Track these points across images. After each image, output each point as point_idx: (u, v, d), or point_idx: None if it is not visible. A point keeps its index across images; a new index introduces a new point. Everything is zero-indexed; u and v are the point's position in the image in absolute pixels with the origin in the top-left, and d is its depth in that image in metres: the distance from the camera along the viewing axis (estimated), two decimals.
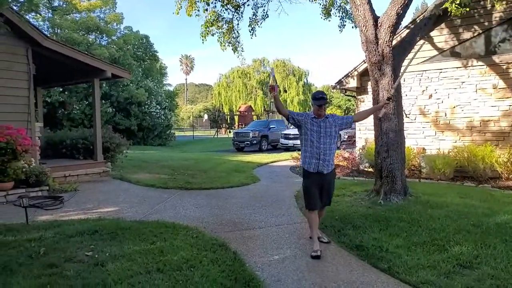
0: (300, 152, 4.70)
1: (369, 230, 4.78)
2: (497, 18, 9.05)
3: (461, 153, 8.81)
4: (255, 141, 19.65)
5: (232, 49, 9.32)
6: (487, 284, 3.30)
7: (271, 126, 21.14)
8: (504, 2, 8.41)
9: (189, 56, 76.63)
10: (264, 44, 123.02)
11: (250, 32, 9.97)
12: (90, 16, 23.92)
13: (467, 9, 7.14)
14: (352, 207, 6.06)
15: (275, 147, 20.67)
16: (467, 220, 5.09)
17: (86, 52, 9.56)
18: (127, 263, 3.67)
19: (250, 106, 43.40)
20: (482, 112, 9.29)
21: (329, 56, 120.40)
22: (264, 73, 49.24)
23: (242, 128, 28.69)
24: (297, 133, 16.82)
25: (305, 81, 49.05)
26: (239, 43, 9.42)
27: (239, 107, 43.10)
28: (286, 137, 19.51)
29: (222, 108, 48.21)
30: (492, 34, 9.24)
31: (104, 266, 3.60)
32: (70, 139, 9.57)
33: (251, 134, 19.61)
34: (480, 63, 9.27)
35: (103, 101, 21.38)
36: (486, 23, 9.20)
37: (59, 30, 22.26)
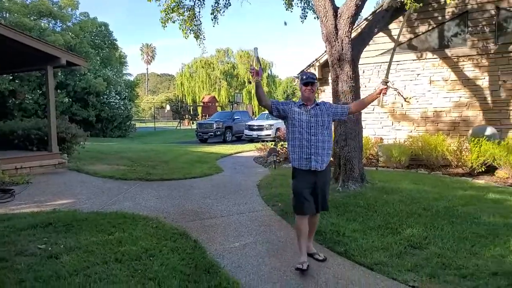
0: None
1: (328, 216, 4.91)
2: (450, 13, 9.49)
3: (415, 143, 9.22)
4: (219, 132, 19.54)
5: (194, 36, 9.18)
6: (434, 262, 3.51)
7: (235, 117, 21.09)
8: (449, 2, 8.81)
9: (150, 45, 74.56)
10: (229, 35, 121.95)
11: (213, 20, 9.85)
12: (41, 0, 22.62)
13: (421, 4, 7.41)
14: None
15: (239, 139, 20.66)
16: (419, 204, 5.37)
17: (38, 38, 9.07)
18: (83, 255, 3.58)
19: (214, 97, 42.95)
20: (435, 103, 9.75)
21: (293, 48, 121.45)
22: (228, 63, 48.91)
23: (205, 119, 28.41)
24: (261, 124, 16.71)
25: (269, 72, 49.24)
26: (201, 31, 9.29)
27: (203, 98, 42.53)
28: (251, 128, 19.55)
29: (185, 99, 47.47)
30: (445, 28, 9.69)
31: (58, 259, 3.49)
32: (22, 130, 9.08)
33: (215, 125, 19.47)
34: (434, 56, 9.70)
35: (58, 90, 20.39)
36: (440, 18, 9.62)
37: (7, 14, 20.91)
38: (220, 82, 46.83)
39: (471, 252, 3.77)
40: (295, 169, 3.58)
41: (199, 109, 41.94)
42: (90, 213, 5.08)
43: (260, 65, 3.55)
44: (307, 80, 3.55)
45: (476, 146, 8.10)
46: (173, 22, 8.92)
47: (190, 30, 9.07)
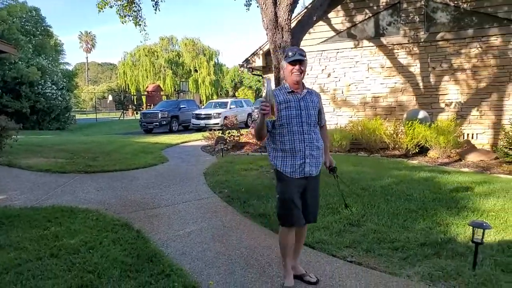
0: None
1: (272, 199, 5.01)
2: (384, 3, 9.94)
3: (356, 127, 9.64)
4: (164, 122, 19.07)
5: (134, 23, 8.85)
6: (370, 237, 3.72)
7: (181, 106, 20.67)
8: None
9: (90, 33, 70.58)
10: (174, 24, 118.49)
11: (154, 7, 9.52)
12: None
13: None
14: (258, 179, 6.30)
15: (186, 128, 20.34)
16: (358, 184, 5.65)
17: None
18: (15, 252, 3.37)
19: (159, 86, 41.75)
20: (373, 89, 10.24)
21: (240, 36, 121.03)
22: (172, 51, 47.68)
23: (150, 108, 27.60)
24: (209, 112, 16.53)
25: (216, 61, 48.73)
26: (141, 17, 8.96)
27: (147, 87, 41.16)
28: (198, 117, 19.31)
29: (128, 88, 45.63)
30: (380, 18, 10.15)
31: None
32: None
33: (160, 115, 18.97)
34: (371, 44, 10.15)
35: None
36: (375, 7, 10.05)
37: None
38: (165, 70, 45.55)
39: (403, 226, 4.05)
40: (282, 175, 2.78)
41: (144, 99, 40.63)
42: (23, 208, 4.77)
43: (275, 100, 2.60)
44: (295, 58, 2.69)
45: (410, 129, 8.64)
46: (111, 7, 8.53)
47: (129, 16, 8.71)
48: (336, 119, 10.65)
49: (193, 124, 19.49)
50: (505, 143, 7.70)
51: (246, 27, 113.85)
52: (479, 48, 9.04)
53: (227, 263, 3.35)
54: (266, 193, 5.32)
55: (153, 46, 46.28)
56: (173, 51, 47.86)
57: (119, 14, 8.55)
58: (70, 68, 32.35)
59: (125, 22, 8.64)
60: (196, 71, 46.54)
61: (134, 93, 44.82)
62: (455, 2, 9.22)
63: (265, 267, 3.25)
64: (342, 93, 10.53)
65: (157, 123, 18.93)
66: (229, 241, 3.84)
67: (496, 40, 8.90)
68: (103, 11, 8.45)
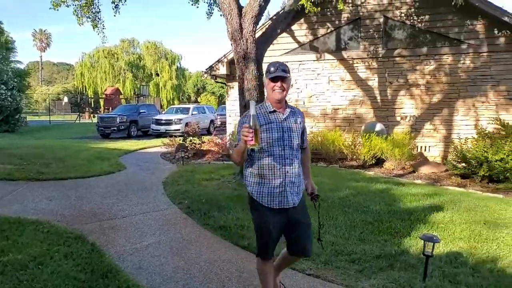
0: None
1: (233, 211, 5.01)
2: (345, 19, 10.29)
3: (316, 138, 9.85)
4: (123, 127, 18.49)
5: (92, 25, 8.52)
6: (328, 250, 3.79)
7: (141, 111, 20.16)
8: (345, 5, 9.57)
9: (45, 31, 67.42)
10: (136, 26, 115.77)
11: (114, 9, 9.23)
12: None
13: (319, 8, 7.91)
14: (219, 190, 6.26)
15: (146, 134, 19.84)
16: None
17: None
18: None
19: (118, 89, 40.49)
20: (333, 101, 10.52)
21: (204, 40, 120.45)
22: (133, 54, 46.59)
23: (108, 112, 26.72)
24: (170, 118, 16.23)
25: (179, 65, 48.15)
26: (100, 19, 8.66)
27: (105, 90, 39.77)
28: (158, 122, 18.91)
29: (85, 91, 43.98)
30: (341, 32, 10.49)
31: None
32: None
33: (118, 119, 18.38)
34: (332, 57, 10.44)
35: None
36: (337, 22, 10.38)
37: None
38: (125, 73, 44.37)
39: (360, 238, 4.17)
40: (257, 204, 2.50)
41: (101, 102, 39.31)
42: None
43: (259, 125, 2.28)
44: (276, 74, 2.41)
45: (368, 141, 8.94)
46: (67, 6, 8.17)
47: (87, 18, 8.40)
48: None
49: (152, 129, 19.07)
50: (454, 157, 8.16)
51: (210, 32, 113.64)
52: (432, 66, 9.57)
53: (186, 277, 3.29)
54: (228, 204, 5.29)
55: (113, 48, 45.00)
56: (134, 54, 46.79)
57: (77, 15, 8.22)
58: (22, 66, 30.60)
59: (82, 24, 8.30)
60: (157, 75, 45.72)
61: (92, 96, 43.28)
62: (411, 21, 9.71)
63: (225, 282, 3.23)
64: (304, 104, 10.74)
65: (115, 128, 18.32)
66: (188, 254, 3.78)
67: (447, 59, 9.45)
68: (57, 10, 8.09)
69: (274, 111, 2.49)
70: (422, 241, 3.23)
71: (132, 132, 18.97)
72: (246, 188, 2.58)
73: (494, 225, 4.62)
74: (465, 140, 8.10)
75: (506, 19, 8.63)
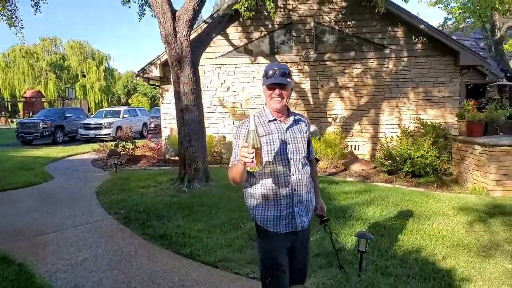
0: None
1: (174, 219, 4.91)
2: (278, 23, 10.57)
3: None
4: (47, 133, 17.16)
5: (8, 23, 7.83)
6: None
7: (67, 115, 18.86)
8: (278, 10, 9.86)
9: None
10: (59, 25, 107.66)
11: (34, 7, 8.57)
12: None
13: (253, 13, 8.05)
14: (157, 197, 6.10)
15: (73, 139, 18.65)
16: None
17: None
18: None
19: (39, 92, 37.56)
20: None
21: (134, 40, 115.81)
22: (56, 54, 43.52)
23: (29, 117, 24.66)
24: (99, 122, 15.45)
25: (107, 65, 45.97)
26: (17, 18, 7.98)
27: (24, 92, 36.65)
28: (87, 127, 17.87)
29: (1, 93, 40.18)
30: (275, 36, 10.75)
31: None
32: None
33: (41, 125, 17.02)
34: (266, 60, 10.66)
35: None
36: (270, 26, 10.62)
37: None
38: (46, 74, 41.27)
39: None
40: (264, 230, 2.17)
41: (20, 106, 36.18)
42: None
43: (260, 142, 1.89)
44: (274, 81, 2.10)
45: None
46: None
47: (2, 16, 7.70)
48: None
49: (81, 134, 17.98)
50: (381, 154, 8.77)
51: (141, 31, 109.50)
52: (360, 69, 10.20)
53: None
54: (167, 212, 5.18)
55: (32, 47, 41.70)
56: (56, 54, 43.79)
57: None
58: None
59: None
60: (84, 76, 43.21)
61: (8, 99, 39.61)
62: (340, 27, 10.25)
63: None
64: (241, 106, 10.83)
65: (38, 134, 16.95)
66: (128, 267, 3.64)
67: (373, 63, 10.14)
68: None
69: (275, 119, 2.19)
70: (357, 238, 3.45)
71: (58, 138, 17.70)
72: (248, 211, 2.27)
73: (418, 217, 5.06)
74: (390, 138, 8.75)
75: (422, 26, 9.50)
